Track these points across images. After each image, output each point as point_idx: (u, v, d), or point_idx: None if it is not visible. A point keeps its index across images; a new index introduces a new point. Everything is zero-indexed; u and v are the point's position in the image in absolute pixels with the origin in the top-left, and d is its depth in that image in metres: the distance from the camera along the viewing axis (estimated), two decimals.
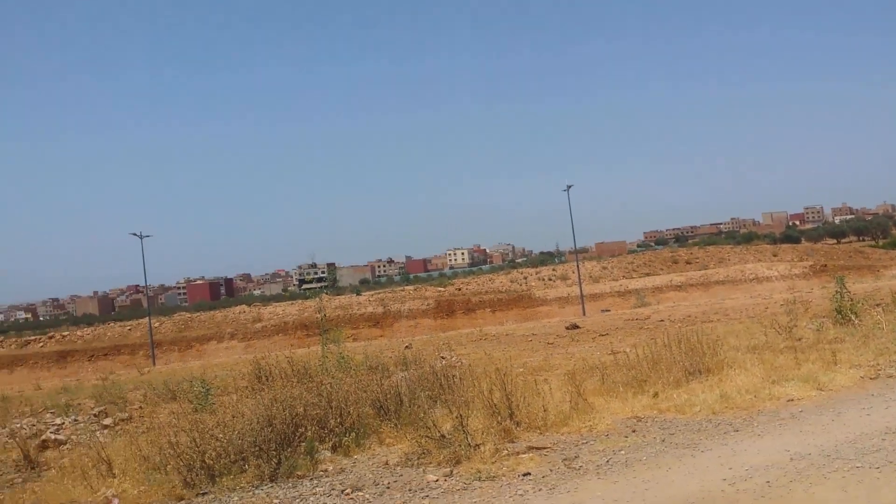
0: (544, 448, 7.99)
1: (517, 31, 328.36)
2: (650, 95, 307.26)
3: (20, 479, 10.11)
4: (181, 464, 7.84)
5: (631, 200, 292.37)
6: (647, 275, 74.68)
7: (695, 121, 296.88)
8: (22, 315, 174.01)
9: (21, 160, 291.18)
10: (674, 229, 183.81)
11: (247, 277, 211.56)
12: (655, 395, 10.29)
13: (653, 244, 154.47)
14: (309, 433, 8.29)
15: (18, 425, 14.19)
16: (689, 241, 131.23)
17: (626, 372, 11.54)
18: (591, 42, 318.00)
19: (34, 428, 13.88)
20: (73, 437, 12.74)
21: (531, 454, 7.75)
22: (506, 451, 7.80)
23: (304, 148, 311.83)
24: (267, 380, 13.90)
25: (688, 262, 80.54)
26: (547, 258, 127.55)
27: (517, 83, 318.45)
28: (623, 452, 7.56)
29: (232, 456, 7.93)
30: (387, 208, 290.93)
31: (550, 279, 76.60)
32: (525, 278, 78.95)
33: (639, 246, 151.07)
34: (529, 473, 7.02)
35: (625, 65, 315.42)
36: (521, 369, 14.89)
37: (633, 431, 8.48)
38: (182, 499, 7.43)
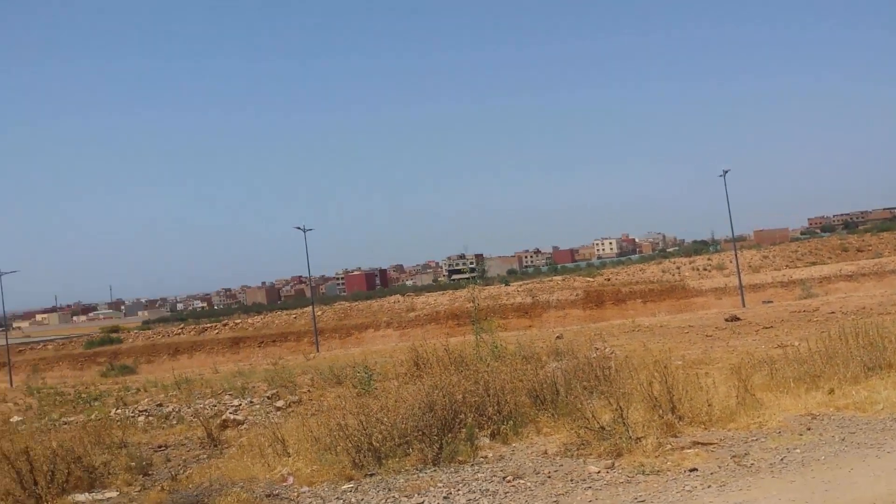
0: (710, 444, 7.69)
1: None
2: (809, 76, 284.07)
3: (205, 456, 11.04)
4: (350, 445, 8.27)
5: (793, 184, 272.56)
6: (813, 264, 69.68)
7: (867, 95, 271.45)
8: (199, 304, 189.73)
9: (198, 166, 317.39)
10: (842, 215, 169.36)
11: (400, 268, 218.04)
12: (831, 391, 9.61)
13: (818, 231, 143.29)
14: (469, 420, 8.48)
15: (201, 405, 15.52)
16: (860, 228, 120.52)
17: (798, 367, 10.86)
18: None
19: (215, 408, 15.11)
20: (249, 417, 13.75)
21: (696, 450, 7.50)
22: (669, 446, 7.58)
23: (453, 139, 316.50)
24: (424, 367, 14.32)
25: (859, 250, 74.49)
26: (701, 247, 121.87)
27: (675, 63, 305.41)
28: (798, 451, 7.13)
29: (396, 439, 8.26)
30: (534, 199, 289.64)
31: (705, 269, 73.31)
32: (678, 268, 76.10)
33: (802, 233, 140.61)
34: (696, 469, 6.79)
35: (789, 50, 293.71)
36: (680, 362, 14.38)
37: (808, 429, 7.97)
38: (352, 479, 7.82)
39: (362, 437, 8.28)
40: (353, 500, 7.11)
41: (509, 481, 7.06)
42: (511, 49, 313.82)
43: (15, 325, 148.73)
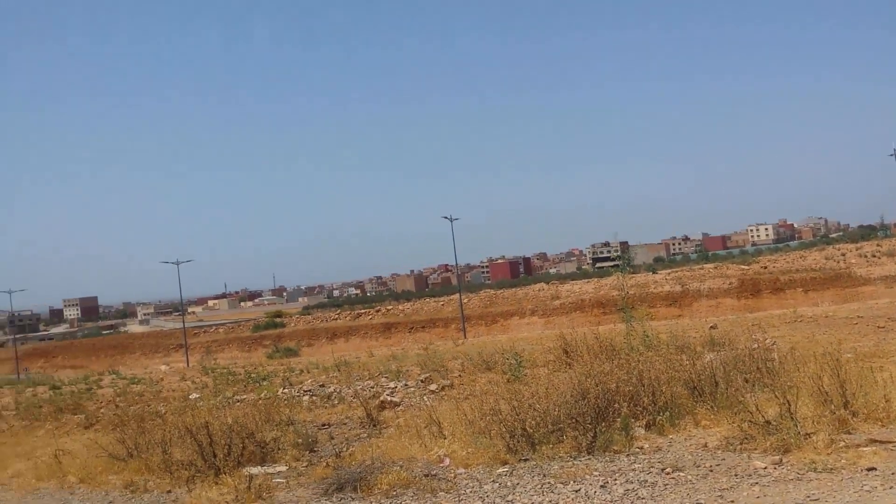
0: (890, 442, 7.13)
1: None
2: None
3: (365, 435, 11.59)
4: (504, 430, 8.40)
5: None
6: None
7: None
8: (353, 291, 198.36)
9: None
10: None
11: (543, 256, 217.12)
12: None
13: None
14: (624, 409, 8.37)
15: (360, 387, 16.28)
16: None
17: None
18: None
19: (372, 390, 15.81)
20: (404, 399, 14.28)
21: (874, 448, 6.98)
22: (842, 443, 7.11)
23: (598, 125, 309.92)
24: (573, 355, 14.24)
25: None
26: (868, 232, 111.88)
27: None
28: None
29: (549, 426, 8.30)
30: (681, 183, 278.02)
31: (874, 255, 67.21)
32: (843, 255, 70.37)
33: None
34: (875, 469, 6.33)
35: None
36: (850, 355, 13.37)
37: None
38: (506, 463, 7.96)
39: (516, 422, 8.39)
40: (508, 483, 7.23)
41: (668, 473, 6.91)
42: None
43: (190, 310, 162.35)
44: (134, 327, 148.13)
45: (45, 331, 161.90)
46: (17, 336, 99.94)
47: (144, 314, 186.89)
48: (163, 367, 46.63)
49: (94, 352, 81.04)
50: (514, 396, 9.03)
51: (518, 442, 8.25)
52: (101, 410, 18.91)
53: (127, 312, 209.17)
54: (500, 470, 7.75)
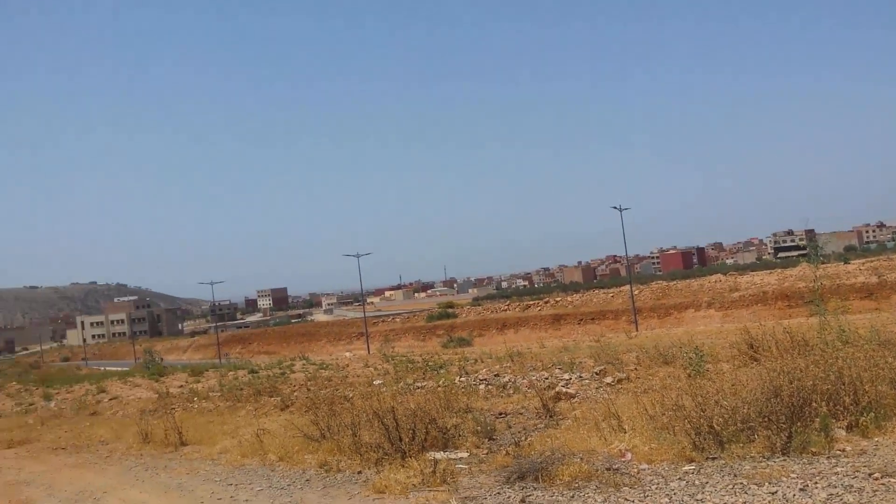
0: None
1: None
2: None
3: (542, 425, 11.65)
4: (689, 426, 8.14)
5: None
6: None
7: None
8: (521, 283, 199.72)
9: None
10: None
11: (718, 246, 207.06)
12: None
13: None
14: (823, 409, 7.82)
15: (535, 377, 16.39)
16: None
17: None
18: None
19: (547, 381, 15.85)
20: (579, 391, 14.20)
21: None
22: None
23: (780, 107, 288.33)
24: (759, 350, 13.46)
25: None
26: None
27: None
28: None
29: (738, 424, 7.93)
30: (874, 165, 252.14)
31: None
32: None
33: None
34: None
35: None
36: None
37: None
38: (692, 461, 7.70)
39: (701, 419, 8.09)
40: (696, 482, 7.00)
41: (877, 479, 6.38)
42: None
43: (368, 300, 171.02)
44: (319, 316, 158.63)
45: (241, 319, 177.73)
46: (218, 324, 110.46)
47: (328, 304, 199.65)
48: (346, 354, 49.55)
49: (284, 339, 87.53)
50: (698, 392, 8.72)
51: (704, 439, 7.95)
52: (295, 394, 20.40)
53: (313, 302, 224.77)
54: (686, 467, 7.52)
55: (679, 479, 7.19)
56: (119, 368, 55.96)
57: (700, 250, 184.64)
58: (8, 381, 46.84)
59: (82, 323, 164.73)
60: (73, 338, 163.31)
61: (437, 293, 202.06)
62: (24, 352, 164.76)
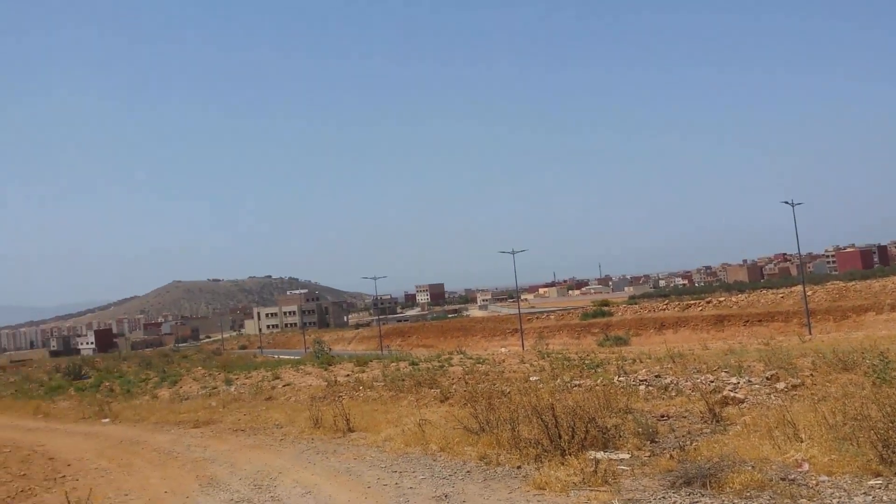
0: None
1: None
2: None
3: (708, 430, 11.19)
4: (875, 437, 7.56)
5: None
6: None
7: None
8: (679, 281, 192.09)
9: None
10: None
11: None
12: None
13: None
14: None
15: (699, 380, 15.75)
16: None
17: None
18: None
19: (712, 384, 15.18)
20: (749, 396, 13.49)
21: None
22: None
23: None
24: None
25: None
26: None
27: None
28: None
29: None
30: None
31: None
32: None
33: None
34: None
35: None
36: None
37: None
38: (879, 475, 7.15)
39: (890, 430, 7.49)
40: (884, 498, 6.49)
41: None
42: None
43: (522, 297, 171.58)
44: (474, 312, 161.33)
45: (400, 313, 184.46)
46: (380, 317, 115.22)
47: (483, 300, 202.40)
48: (502, 350, 49.98)
49: (441, 333, 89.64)
50: (886, 401, 8.06)
51: (893, 452, 7.36)
52: (454, 386, 20.85)
53: (468, 298, 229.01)
54: (871, 482, 6.99)
55: (864, 493, 6.72)
56: (291, 357, 59.71)
57: (882, 248, 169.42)
58: (194, 367, 51.21)
59: (258, 314, 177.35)
60: (249, 327, 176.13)
61: (592, 291, 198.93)
62: (208, 339, 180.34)
